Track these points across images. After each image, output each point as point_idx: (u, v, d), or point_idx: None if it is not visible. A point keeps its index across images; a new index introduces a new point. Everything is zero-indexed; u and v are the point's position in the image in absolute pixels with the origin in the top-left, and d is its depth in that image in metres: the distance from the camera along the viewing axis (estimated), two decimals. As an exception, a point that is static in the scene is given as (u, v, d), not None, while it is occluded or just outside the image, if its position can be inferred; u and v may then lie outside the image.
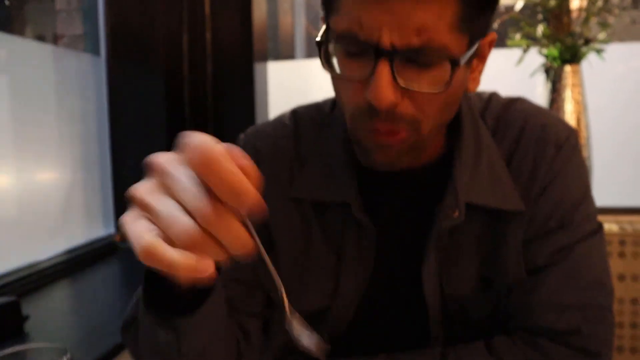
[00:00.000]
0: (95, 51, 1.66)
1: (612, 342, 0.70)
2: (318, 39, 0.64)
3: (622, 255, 1.35)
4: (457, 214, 0.69)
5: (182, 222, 0.39)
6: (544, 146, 0.72)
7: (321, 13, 0.67)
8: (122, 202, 1.68)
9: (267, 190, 0.74)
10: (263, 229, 0.75)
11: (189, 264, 0.39)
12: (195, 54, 1.66)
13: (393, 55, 0.57)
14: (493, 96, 0.78)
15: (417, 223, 0.73)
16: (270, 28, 2.09)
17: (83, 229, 1.61)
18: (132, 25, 1.62)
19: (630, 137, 1.77)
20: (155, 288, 0.56)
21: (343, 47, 0.62)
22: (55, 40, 1.67)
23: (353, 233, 0.73)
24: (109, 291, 1.42)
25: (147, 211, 0.41)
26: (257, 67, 1.70)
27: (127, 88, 1.65)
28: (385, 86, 0.58)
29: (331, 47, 0.64)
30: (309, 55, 2.85)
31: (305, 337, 0.51)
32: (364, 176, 0.73)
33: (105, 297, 1.36)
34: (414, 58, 0.59)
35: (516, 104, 0.76)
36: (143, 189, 0.42)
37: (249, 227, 0.41)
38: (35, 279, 1.32)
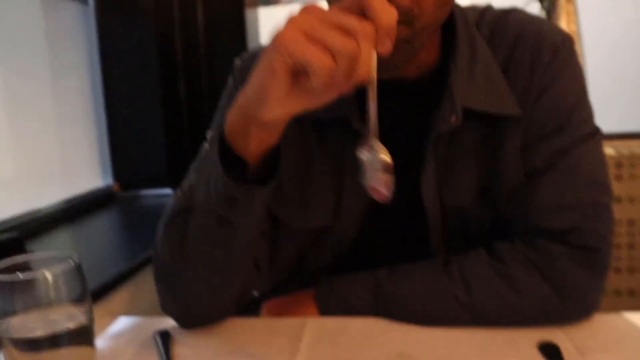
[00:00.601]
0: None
1: (611, 238, 0.70)
2: None
3: (619, 177, 1.36)
4: (454, 118, 0.69)
5: (342, 36, 0.50)
6: (540, 51, 0.72)
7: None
8: (118, 154, 1.68)
9: None
10: None
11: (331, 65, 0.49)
12: (186, 0, 1.65)
13: None
14: (487, 8, 0.78)
15: (415, 132, 0.73)
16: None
17: (82, 181, 1.61)
18: (120, -29, 1.60)
19: (626, 65, 1.78)
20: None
21: None
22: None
23: (353, 148, 0.74)
24: (108, 236, 1.44)
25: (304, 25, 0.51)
26: (248, 12, 1.69)
27: (118, 37, 1.63)
28: None
29: None
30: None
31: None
32: (362, 90, 0.73)
33: (105, 241, 1.38)
34: None
35: (511, 13, 0.76)
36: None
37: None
38: (37, 224, 1.33)
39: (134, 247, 1.25)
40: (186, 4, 1.65)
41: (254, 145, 0.60)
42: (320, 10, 0.52)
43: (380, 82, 0.71)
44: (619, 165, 1.37)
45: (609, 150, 1.36)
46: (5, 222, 1.28)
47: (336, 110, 0.72)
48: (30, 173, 1.43)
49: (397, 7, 0.60)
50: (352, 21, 0.51)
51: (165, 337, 0.66)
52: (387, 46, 0.53)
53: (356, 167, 0.74)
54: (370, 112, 0.54)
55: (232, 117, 0.60)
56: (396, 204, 0.74)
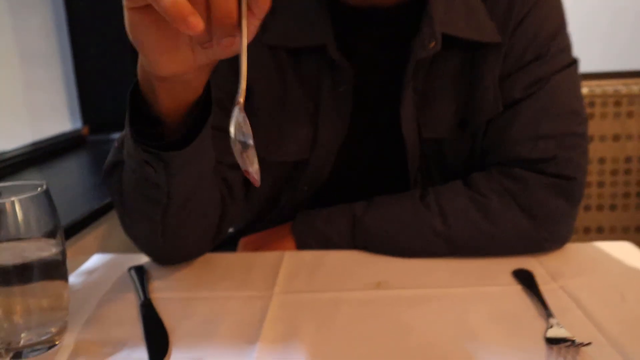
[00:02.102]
0: None
1: (586, 167, 0.72)
2: None
3: (590, 116, 1.37)
4: (433, 44, 0.68)
5: None
6: None
7: None
8: (86, 98, 1.62)
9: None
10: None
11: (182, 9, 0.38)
12: None
13: None
14: None
15: (394, 63, 0.72)
16: None
17: (49, 124, 1.55)
18: None
19: (602, 4, 1.78)
20: (142, 127, 0.54)
21: None
22: None
23: (329, 77, 0.72)
24: (78, 179, 1.40)
25: None
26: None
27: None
28: None
29: None
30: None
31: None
32: (338, 17, 0.71)
33: (75, 182, 1.35)
34: None
35: None
36: None
37: (240, 9, 0.40)
38: (2, 167, 1.29)
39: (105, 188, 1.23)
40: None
41: (168, 101, 0.52)
42: None
43: (357, 7, 0.70)
44: (591, 104, 1.38)
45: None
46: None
47: (311, 37, 0.71)
48: None
49: None
50: None
51: (140, 272, 0.65)
52: None
53: (331, 97, 0.74)
54: (240, 70, 0.41)
55: (139, 74, 0.53)
56: (374, 136, 0.76)
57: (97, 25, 1.57)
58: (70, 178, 1.35)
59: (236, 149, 0.42)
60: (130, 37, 0.45)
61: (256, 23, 0.42)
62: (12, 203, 0.46)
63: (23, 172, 1.32)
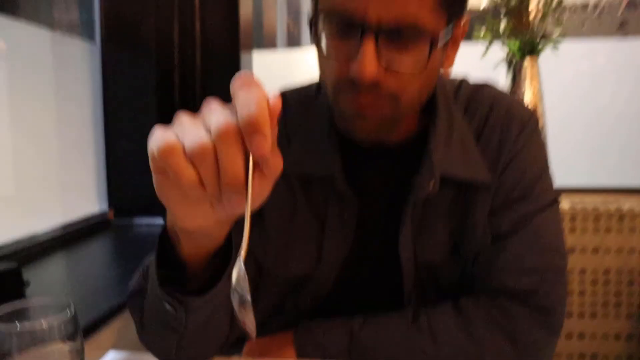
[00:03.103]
0: (90, 37, 1.75)
1: (565, 299, 0.77)
2: (309, 17, 0.68)
3: (572, 230, 1.49)
4: (432, 184, 0.74)
5: (198, 132, 0.42)
6: (509, 125, 0.78)
7: (302, 9, 0.75)
8: (114, 181, 1.77)
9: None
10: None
11: (191, 175, 0.42)
12: (185, 42, 1.75)
13: (378, 32, 0.61)
14: (464, 81, 0.85)
15: (395, 195, 0.79)
16: (255, 19, 2.19)
17: (78, 206, 1.69)
18: (125, 13, 1.70)
19: (584, 125, 1.93)
20: (167, 270, 0.58)
21: (331, 25, 0.66)
22: (53, 26, 1.75)
23: (336, 204, 0.79)
24: (103, 263, 1.51)
25: (175, 125, 0.44)
26: (243, 55, 1.80)
27: (120, 74, 1.72)
28: (369, 62, 0.62)
29: (320, 26, 0.67)
30: (289, 45, 3.02)
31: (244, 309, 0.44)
32: (347, 152, 0.78)
33: (100, 268, 1.44)
34: (397, 37, 0.63)
35: (484, 88, 0.84)
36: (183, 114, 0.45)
37: (248, 172, 0.43)
38: (34, 250, 1.40)
39: (126, 277, 1.34)
40: (185, 45, 1.76)
41: (190, 248, 0.55)
42: (211, 106, 0.45)
43: (364, 148, 0.78)
44: (573, 218, 1.49)
45: (565, 204, 1.49)
46: (3, 246, 1.33)
47: (321, 167, 0.77)
48: (31, 195, 1.50)
49: (383, 91, 0.65)
50: (215, 117, 0.43)
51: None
52: (258, 144, 0.41)
53: (337, 221, 0.78)
54: (244, 230, 0.43)
55: (167, 220, 0.56)
56: (374, 258, 0.82)
57: (129, 121, 1.74)
58: (94, 264, 1.46)
59: (234, 299, 0.43)
60: (157, 194, 0.48)
61: (268, 184, 0.45)
62: (41, 325, 0.51)
63: (53, 255, 1.43)
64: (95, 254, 1.53)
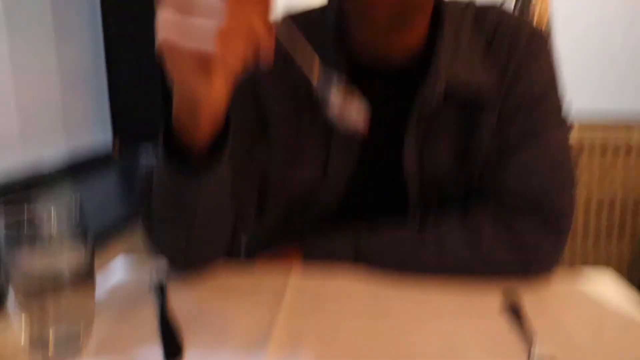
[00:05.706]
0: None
1: (572, 215, 0.77)
2: None
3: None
4: (437, 94, 0.76)
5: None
6: (517, 40, 0.78)
7: None
8: (117, 111, 1.73)
9: (264, 80, 0.79)
10: (259, 115, 0.82)
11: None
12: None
13: None
14: (470, 2, 0.84)
15: (401, 110, 0.79)
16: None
17: (83, 139, 1.67)
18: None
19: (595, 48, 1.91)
20: (173, 149, 0.62)
21: None
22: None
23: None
24: (108, 193, 1.52)
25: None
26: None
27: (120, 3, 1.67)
28: None
29: None
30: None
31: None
32: (353, 71, 0.78)
33: (104, 197, 1.46)
34: None
35: (492, 7, 0.83)
36: None
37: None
38: (40, 177, 1.39)
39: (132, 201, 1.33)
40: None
41: (204, 125, 0.60)
42: None
43: (369, 67, 0.78)
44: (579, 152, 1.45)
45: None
46: (10, 176, 1.33)
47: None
48: (35, 132, 1.47)
49: None
50: None
51: (161, 289, 0.69)
52: None
53: (343, 136, 0.78)
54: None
55: (176, 112, 0.60)
56: (380, 171, 0.83)
57: (131, 50, 1.68)
58: (100, 192, 1.44)
59: (336, 98, 0.60)
60: (170, 71, 0.53)
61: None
62: (49, 210, 0.53)
63: (59, 184, 1.42)
64: (101, 184, 1.52)
